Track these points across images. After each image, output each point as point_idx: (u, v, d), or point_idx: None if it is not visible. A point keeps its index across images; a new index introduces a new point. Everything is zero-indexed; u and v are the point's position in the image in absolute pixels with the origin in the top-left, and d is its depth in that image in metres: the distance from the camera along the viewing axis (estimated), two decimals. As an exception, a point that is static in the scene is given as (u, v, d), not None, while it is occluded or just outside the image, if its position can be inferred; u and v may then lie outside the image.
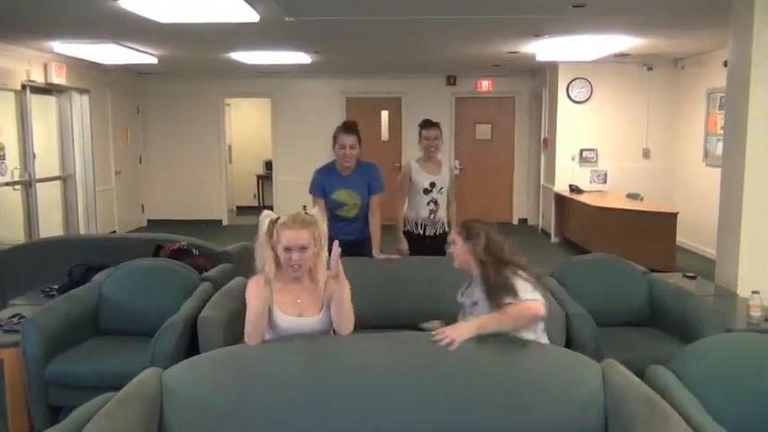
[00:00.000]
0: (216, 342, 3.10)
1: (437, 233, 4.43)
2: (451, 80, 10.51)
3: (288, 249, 2.42)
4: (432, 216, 4.41)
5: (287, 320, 2.45)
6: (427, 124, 4.45)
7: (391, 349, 2.38)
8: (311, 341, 2.41)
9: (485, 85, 10.51)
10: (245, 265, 4.85)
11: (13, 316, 3.61)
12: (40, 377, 3.17)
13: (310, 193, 4.07)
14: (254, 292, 2.44)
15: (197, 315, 3.28)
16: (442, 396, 2.21)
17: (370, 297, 3.24)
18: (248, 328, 2.39)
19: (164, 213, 10.73)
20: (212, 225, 10.54)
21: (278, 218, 2.50)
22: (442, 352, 2.34)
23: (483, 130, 10.77)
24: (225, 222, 10.93)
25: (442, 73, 10.38)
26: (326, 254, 2.52)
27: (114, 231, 9.32)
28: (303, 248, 2.43)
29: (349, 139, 3.94)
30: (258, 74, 9.88)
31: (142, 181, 10.65)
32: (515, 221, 10.71)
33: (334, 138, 4.00)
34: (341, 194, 4.01)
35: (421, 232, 4.43)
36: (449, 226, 4.46)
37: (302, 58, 8.09)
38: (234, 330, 3.28)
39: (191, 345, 3.24)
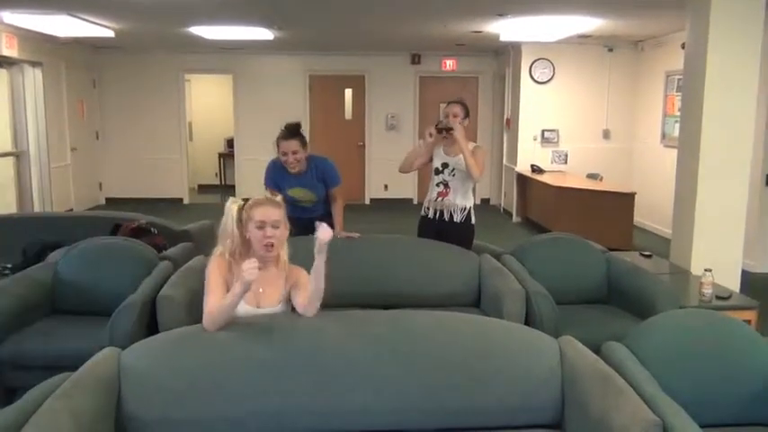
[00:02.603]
0: (175, 321, 3.05)
1: (444, 218, 4.07)
2: (416, 59, 10.48)
3: (261, 226, 2.43)
4: (439, 199, 4.06)
5: (244, 310, 2.42)
6: (451, 101, 4.14)
7: (350, 327, 2.38)
8: (271, 320, 2.40)
9: (449, 64, 10.51)
10: (205, 244, 4.79)
11: (-35, 295, 3.50)
12: (-7, 358, 3.10)
13: (264, 184, 3.96)
14: (215, 272, 2.41)
15: (156, 294, 3.23)
16: (401, 374, 2.22)
17: (341, 277, 3.23)
18: (211, 316, 2.31)
19: (122, 191, 10.52)
20: (173, 204, 10.38)
21: (246, 200, 2.51)
22: (401, 330, 2.36)
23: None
24: (186, 201, 10.76)
25: (406, 51, 10.33)
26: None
27: (71, 210, 9.10)
28: (276, 225, 2.45)
29: (290, 145, 3.75)
30: (219, 49, 9.70)
31: (99, 158, 10.40)
32: (478, 201, 10.81)
33: (276, 144, 3.81)
34: (295, 192, 3.94)
35: (427, 214, 4.14)
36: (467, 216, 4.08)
37: (264, 33, 7.96)
38: (193, 310, 3.25)
39: (150, 324, 3.20)
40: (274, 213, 2.46)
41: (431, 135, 3.96)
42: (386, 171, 10.58)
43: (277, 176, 3.92)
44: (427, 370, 2.25)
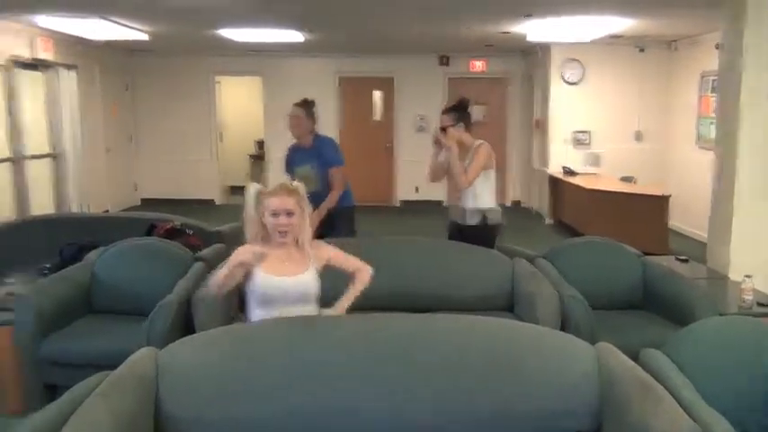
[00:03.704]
0: (210, 322, 3.09)
1: (462, 220, 4.10)
2: (444, 60, 10.46)
3: (275, 214, 2.52)
4: (455, 203, 4.29)
5: (274, 281, 2.50)
6: (444, 109, 4.36)
7: (382, 330, 2.38)
8: (306, 320, 2.42)
9: (478, 65, 10.47)
10: (237, 245, 4.85)
11: (8, 294, 3.59)
12: (33, 356, 3.17)
13: (284, 171, 4.64)
14: (238, 257, 2.48)
15: (191, 295, 3.28)
16: (433, 379, 2.21)
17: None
18: (219, 274, 2.47)
19: (157, 192, 10.67)
20: (204, 204, 10.50)
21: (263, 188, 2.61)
22: (433, 334, 2.35)
23: (476, 112, 10.74)
24: (217, 202, 10.88)
25: (434, 53, 10.32)
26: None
27: (107, 211, 9.26)
28: (290, 213, 2.53)
29: (294, 110, 4.49)
30: (249, 51, 9.78)
31: (133, 159, 10.57)
32: (509, 203, 10.73)
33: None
34: (302, 170, 4.41)
35: (449, 217, 4.32)
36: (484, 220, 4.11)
37: (295, 36, 8.01)
38: (228, 310, 3.29)
39: (185, 324, 3.24)
40: (288, 202, 2.53)
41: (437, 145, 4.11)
42: (415, 173, 10.55)
43: (290, 157, 4.61)
44: (459, 375, 2.23)
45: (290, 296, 2.51)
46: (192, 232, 4.46)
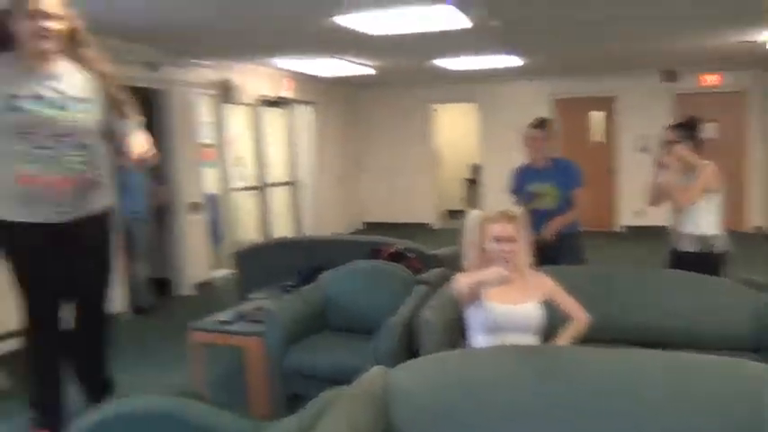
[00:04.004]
0: (434, 343, 3.20)
1: (681, 247, 3.93)
2: (670, 76, 9.76)
3: (498, 240, 2.55)
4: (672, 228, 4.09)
5: (499, 309, 2.50)
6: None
7: (617, 365, 2.27)
8: (537, 349, 2.41)
9: (710, 80, 9.61)
10: (456, 269, 4.95)
11: (256, 308, 4.04)
12: (279, 366, 3.52)
13: (509, 191, 4.64)
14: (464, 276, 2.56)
15: (414, 316, 3.42)
16: (662, 416, 2.06)
17: (598, 310, 3.13)
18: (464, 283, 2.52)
19: (379, 216, 11.30)
20: (422, 228, 10.87)
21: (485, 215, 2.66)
22: (675, 373, 2.19)
23: (709, 129, 9.84)
24: (434, 226, 11.22)
25: (656, 68, 9.68)
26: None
27: (335, 233, 10.00)
28: (512, 240, 2.55)
29: (532, 132, 4.49)
30: (464, 79, 9.99)
31: (359, 185, 11.31)
32: (749, 229, 9.65)
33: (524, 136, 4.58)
34: (534, 186, 4.39)
35: (670, 243, 4.10)
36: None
37: (513, 61, 8.05)
38: (451, 333, 3.37)
39: (408, 345, 3.39)
40: (509, 228, 2.55)
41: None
42: (639, 196, 9.94)
43: (520, 175, 4.57)
44: (690, 417, 2.06)
45: (514, 325, 2.51)
46: (413, 255, 4.66)
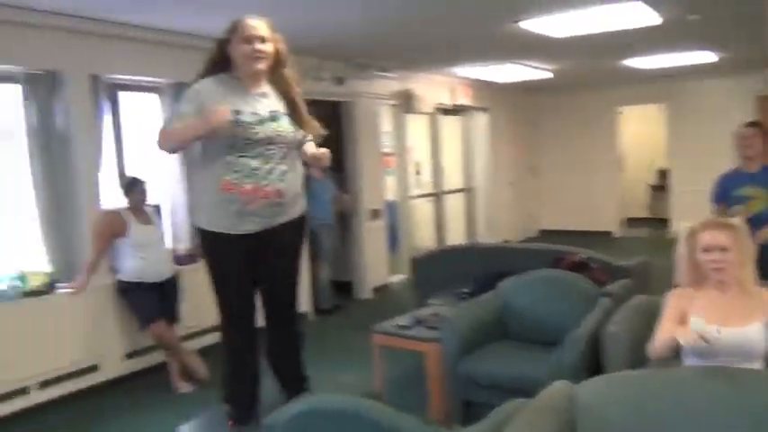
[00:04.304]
0: (621, 360, 3.02)
1: None
2: None
3: (707, 250, 2.35)
4: None
5: (707, 330, 2.28)
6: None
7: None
8: (744, 372, 2.17)
9: None
10: (644, 282, 4.65)
11: (433, 314, 4.08)
12: (455, 372, 3.51)
13: (711, 201, 4.26)
14: (672, 303, 2.38)
15: (599, 330, 3.26)
16: None
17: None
18: (657, 338, 2.36)
19: (554, 223, 10.95)
20: (602, 237, 10.35)
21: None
22: None
23: None
24: (615, 234, 10.63)
25: None
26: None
27: (508, 240, 9.85)
28: (723, 249, 2.32)
29: (747, 131, 4.09)
30: (652, 78, 9.38)
31: (534, 192, 11.04)
32: None
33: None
34: (745, 191, 4.04)
35: None
36: None
37: (706, 57, 7.42)
38: (637, 349, 3.16)
39: (592, 359, 3.23)
40: (719, 237, 2.33)
41: None
42: None
43: (726, 181, 4.20)
44: None
45: (732, 350, 2.24)
46: (596, 266, 4.44)
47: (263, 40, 2.80)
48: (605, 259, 4.68)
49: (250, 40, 2.77)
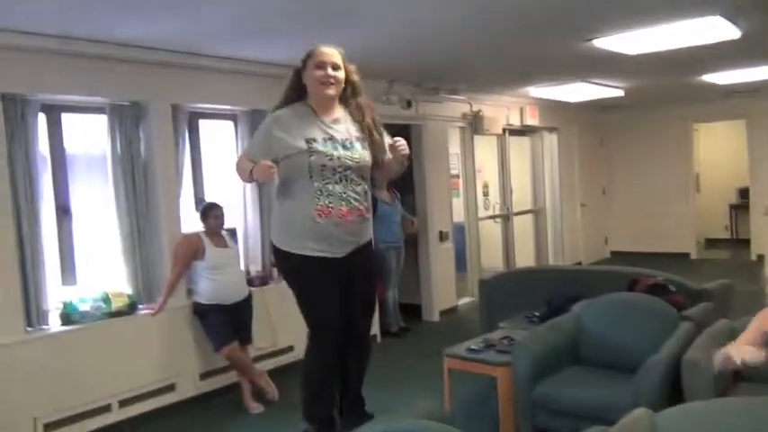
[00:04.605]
0: (703, 389, 2.90)
1: None
2: None
3: None
4: None
5: (750, 355, 2.19)
6: None
7: None
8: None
9: None
10: (727, 306, 4.46)
11: (503, 338, 4.03)
12: (528, 398, 3.45)
13: None
14: (756, 323, 2.33)
15: (679, 356, 3.14)
16: None
17: None
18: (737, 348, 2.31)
19: (626, 245, 10.62)
20: (678, 259, 9.96)
21: None
22: None
23: None
24: (693, 256, 10.22)
25: None
26: None
27: (579, 263, 9.63)
28: None
29: None
30: (731, 94, 9.04)
31: (605, 213, 10.76)
32: None
33: None
34: None
35: None
36: None
37: (789, 70, 7.11)
38: (723, 378, 3.03)
39: (672, 386, 3.11)
40: None
41: None
42: None
43: None
44: None
45: None
46: (675, 289, 4.28)
47: (334, 66, 2.89)
48: (684, 282, 4.52)
49: (322, 66, 2.87)
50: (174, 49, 4.40)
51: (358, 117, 2.97)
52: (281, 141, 2.86)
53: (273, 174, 2.82)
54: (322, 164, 2.82)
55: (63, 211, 4.31)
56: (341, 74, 2.92)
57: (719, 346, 2.52)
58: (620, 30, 4.58)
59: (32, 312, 3.96)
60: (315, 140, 2.85)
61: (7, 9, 3.31)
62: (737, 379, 3.15)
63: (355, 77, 3.01)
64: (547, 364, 3.55)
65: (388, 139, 3.07)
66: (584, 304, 3.96)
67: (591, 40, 4.79)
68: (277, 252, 3.05)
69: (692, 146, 10.30)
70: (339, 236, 2.89)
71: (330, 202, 2.84)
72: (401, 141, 3.02)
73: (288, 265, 3.02)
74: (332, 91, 2.91)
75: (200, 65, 4.68)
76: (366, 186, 2.97)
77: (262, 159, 2.86)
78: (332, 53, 2.91)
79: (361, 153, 2.92)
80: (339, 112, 2.99)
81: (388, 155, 3.04)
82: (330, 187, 2.83)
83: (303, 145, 2.82)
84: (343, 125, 2.95)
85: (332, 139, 2.88)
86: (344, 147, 2.89)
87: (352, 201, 2.87)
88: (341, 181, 2.86)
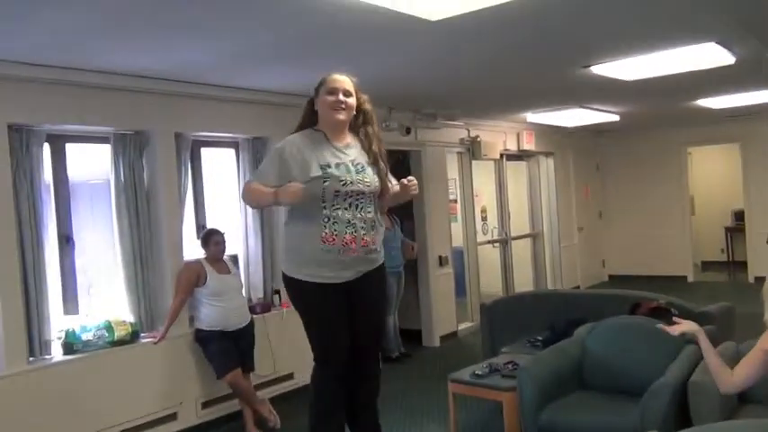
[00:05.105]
0: (710, 411, 2.91)
1: None
2: None
3: None
4: None
5: None
6: None
7: None
8: None
9: None
10: (729, 328, 4.47)
11: (508, 362, 4.03)
12: (534, 422, 3.44)
13: None
14: (759, 343, 2.38)
15: (685, 379, 3.15)
16: None
17: None
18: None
19: (623, 268, 10.65)
20: (675, 281, 9.98)
21: None
22: None
23: None
24: (690, 279, 10.25)
25: None
26: None
27: (578, 286, 9.64)
28: None
29: None
30: (724, 118, 9.15)
31: (602, 236, 10.80)
32: None
33: None
34: None
35: None
36: None
37: (782, 94, 7.22)
38: (728, 400, 3.04)
39: (679, 410, 3.11)
40: None
41: None
42: None
43: None
44: None
45: None
46: (677, 312, 4.30)
47: (346, 93, 2.93)
48: (686, 305, 4.54)
49: (334, 91, 2.92)
50: (177, 78, 4.44)
51: (366, 145, 3.01)
52: (295, 166, 2.89)
53: (306, 194, 2.80)
54: (336, 189, 2.84)
55: (65, 240, 4.32)
56: (352, 100, 2.96)
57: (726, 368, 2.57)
58: (618, 56, 4.65)
59: (35, 342, 3.95)
60: (329, 166, 2.87)
61: (13, 40, 3.35)
62: (743, 401, 3.16)
63: (367, 106, 3.05)
64: (552, 389, 3.55)
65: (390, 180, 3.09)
66: (588, 328, 3.97)
67: (589, 66, 4.87)
68: (285, 278, 3.06)
69: (686, 169, 10.39)
70: (342, 262, 2.89)
71: (335, 230, 2.85)
72: (414, 182, 3.06)
73: (295, 291, 3.02)
74: (342, 116, 2.94)
75: (202, 94, 4.72)
76: (376, 214, 2.98)
77: (276, 183, 2.87)
78: (344, 80, 2.96)
79: (372, 178, 2.95)
80: (349, 138, 3.02)
81: (395, 188, 3.06)
82: (339, 213, 2.85)
83: (318, 171, 2.85)
84: (354, 150, 2.99)
85: (343, 163, 2.91)
86: (357, 171, 2.91)
87: (360, 229, 2.88)
88: (350, 207, 2.87)
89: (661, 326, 2.89)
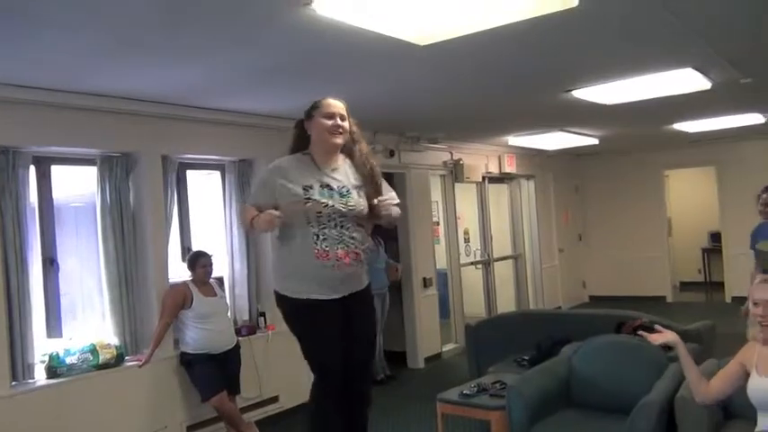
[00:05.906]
0: (695, 427, 2.96)
1: None
2: None
3: (755, 304, 2.47)
4: None
5: (764, 383, 2.32)
6: None
7: None
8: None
9: None
10: (711, 346, 4.55)
11: (495, 382, 4.05)
12: (524, 442, 3.47)
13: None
14: (737, 356, 2.51)
15: (671, 395, 3.19)
16: None
17: None
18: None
19: (604, 289, 10.76)
20: (655, 302, 10.10)
21: None
22: None
23: None
24: (669, 299, 10.39)
25: None
26: None
27: (559, 307, 9.71)
28: None
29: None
30: (698, 141, 9.36)
31: (582, 258, 10.92)
32: None
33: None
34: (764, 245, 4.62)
35: None
36: None
37: (755, 119, 7.42)
38: (713, 415, 3.09)
39: (666, 427, 3.15)
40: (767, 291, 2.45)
41: None
42: None
43: (758, 232, 4.83)
44: None
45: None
46: (661, 330, 4.36)
47: (342, 117, 2.98)
48: (669, 323, 4.59)
49: (331, 116, 2.96)
50: (163, 101, 4.46)
51: (359, 163, 3.04)
52: (282, 188, 2.92)
53: (279, 222, 2.85)
54: (318, 211, 2.87)
55: (49, 263, 4.28)
56: (347, 124, 3.02)
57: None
58: (599, 81, 4.77)
59: (18, 366, 3.90)
60: (311, 188, 2.91)
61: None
62: (729, 416, 3.21)
63: (355, 128, 3.10)
64: (541, 407, 3.57)
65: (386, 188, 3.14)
66: (574, 347, 4.01)
67: (571, 90, 4.98)
68: (277, 296, 3.07)
69: (663, 191, 10.60)
70: (337, 278, 2.92)
71: (327, 246, 2.88)
72: (385, 199, 3.05)
73: (287, 309, 3.03)
74: (339, 140, 2.99)
75: (189, 116, 4.74)
76: (362, 232, 3.01)
77: (266, 206, 2.91)
78: (340, 105, 3.01)
79: (357, 201, 2.98)
80: (339, 160, 3.06)
81: (364, 210, 3.06)
82: (327, 231, 2.88)
83: (300, 192, 2.88)
84: (341, 173, 3.02)
85: (328, 186, 2.94)
86: (341, 194, 2.94)
87: (350, 244, 2.92)
88: (336, 227, 2.91)
89: (642, 332, 2.99)
